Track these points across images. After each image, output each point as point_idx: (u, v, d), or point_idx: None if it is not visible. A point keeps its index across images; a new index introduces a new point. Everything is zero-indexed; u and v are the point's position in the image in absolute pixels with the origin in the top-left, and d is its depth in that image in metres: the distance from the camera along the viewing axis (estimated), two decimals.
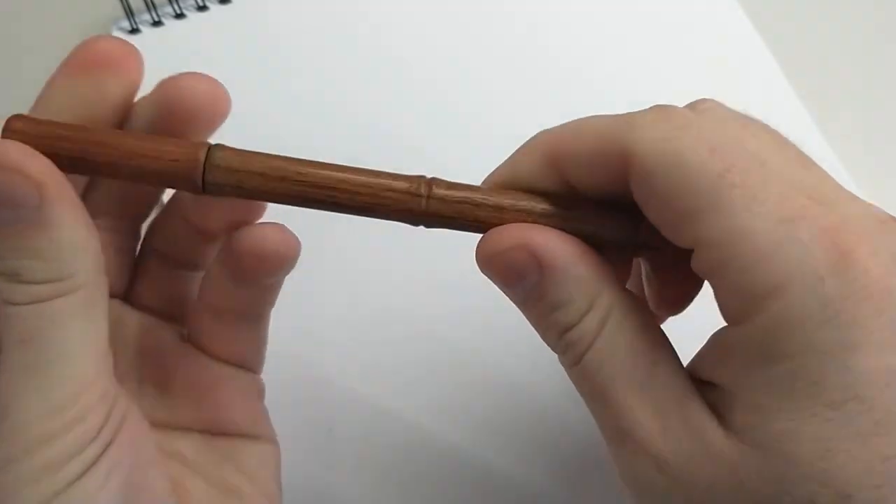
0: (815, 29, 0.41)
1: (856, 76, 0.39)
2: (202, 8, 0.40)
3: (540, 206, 0.22)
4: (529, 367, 0.33)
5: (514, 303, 0.22)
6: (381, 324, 0.34)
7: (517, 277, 0.21)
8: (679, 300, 0.25)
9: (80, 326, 0.21)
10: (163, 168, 0.21)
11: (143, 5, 0.39)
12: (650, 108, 0.21)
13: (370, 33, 0.39)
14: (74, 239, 0.21)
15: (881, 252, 0.18)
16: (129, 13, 0.39)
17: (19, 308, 0.20)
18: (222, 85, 0.24)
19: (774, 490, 0.18)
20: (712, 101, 0.21)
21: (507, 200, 0.22)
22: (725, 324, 0.20)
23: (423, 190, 0.22)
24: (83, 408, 0.20)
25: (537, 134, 0.23)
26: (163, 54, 0.39)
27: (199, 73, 0.24)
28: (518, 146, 0.23)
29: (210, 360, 0.25)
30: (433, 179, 0.22)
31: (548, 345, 0.22)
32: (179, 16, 0.40)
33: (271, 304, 0.26)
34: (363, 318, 0.34)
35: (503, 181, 0.23)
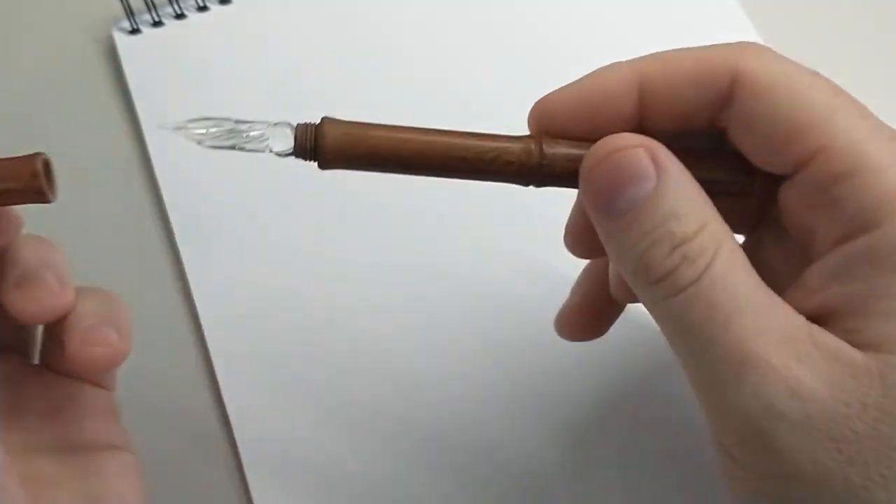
0: (816, 30, 0.41)
1: (856, 77, 0.39)
2: (202, 8, 0.40)
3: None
4: (530, 365, 0.33)
5: (611, 222, 0.21)
6: (378, 321, 0.34)
7: (632, 179, 0.20)
8: None
9: None
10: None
11: (143, 5, 0.39)
12: (734, 42, 0.22)
13: (371, 33, 0.39)
14: None
15: None
16: (130, 13, 0.39)
17: None
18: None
19: None
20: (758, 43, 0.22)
21: None
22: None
23: (534, 147, 0.22)
24: None
25: (609, 65, 0.22)
26: (163, 54, 0.39)
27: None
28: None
29: (62, 378, 0.26)
30: (543, 137, 0.22)
31: (643, 270, 0.21)
32: (179, 16, 0.40)
33: None
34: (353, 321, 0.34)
35: (576, 98, 0.22)
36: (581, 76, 0.23)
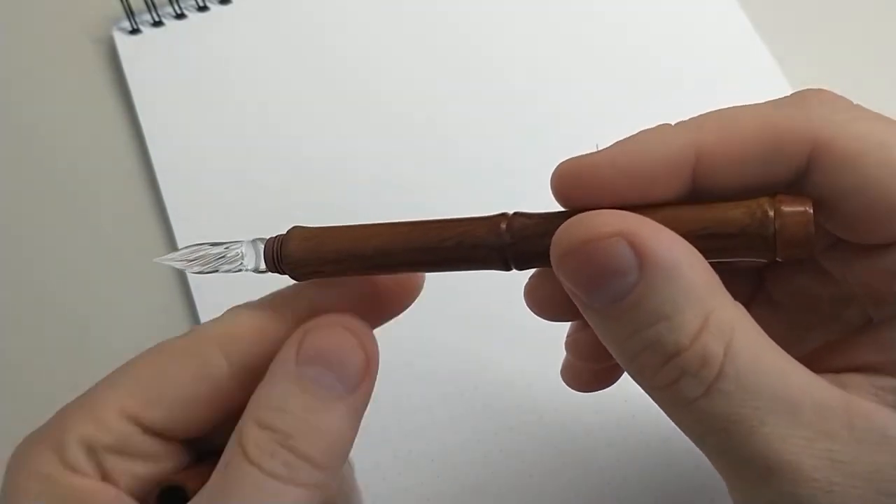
0: (815, 29, 0.41)
1: (856, 76, 0.39)
2: (202, 8, 0.40)
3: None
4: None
5: (594, 313, 0.18)
6: None
7: (608, 275, 0.17)
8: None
9: None
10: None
11: (143, 5, 0.39)
12: (799, 94, 0.19)
13: (371, 34, 0.39)
14: None
15: None
16: (130, 13, 0.39)
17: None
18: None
19: None
20: (825, 91, 0.19)
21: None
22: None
23: (504, 226, 0.19)
24: None
25: (657, 129, 0.19)
26: (163, 54, 0.39)
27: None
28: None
29: None
30: (516, 214, 0.19)
31: (638, 374, 0.18)
32: (180, 16, 0.40)
33: None
34: None
35: (619, 166, 0.18)
36: (618, 140, 0.19)
